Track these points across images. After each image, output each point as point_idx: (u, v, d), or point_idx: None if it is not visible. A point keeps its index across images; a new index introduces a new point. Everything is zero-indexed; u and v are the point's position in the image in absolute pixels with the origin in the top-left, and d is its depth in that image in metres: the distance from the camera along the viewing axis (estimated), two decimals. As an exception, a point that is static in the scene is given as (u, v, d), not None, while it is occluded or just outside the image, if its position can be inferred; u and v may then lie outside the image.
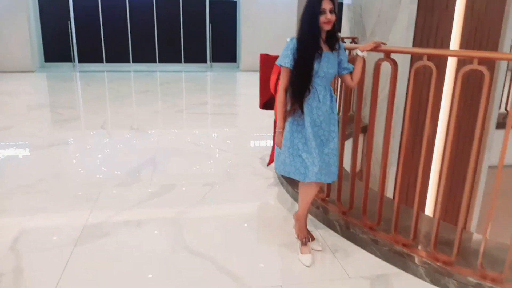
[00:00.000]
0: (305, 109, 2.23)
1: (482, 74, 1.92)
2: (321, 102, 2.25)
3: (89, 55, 12.16)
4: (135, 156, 4.27)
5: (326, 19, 2.14)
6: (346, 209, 2.74)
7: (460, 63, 4.18)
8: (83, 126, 5.77)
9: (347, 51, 2.40)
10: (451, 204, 4.82)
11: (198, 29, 12.36)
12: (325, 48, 2.24)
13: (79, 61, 12.13)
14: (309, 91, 2.21)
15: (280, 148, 2.34)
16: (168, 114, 6.41)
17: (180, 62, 12.49)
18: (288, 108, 2.26)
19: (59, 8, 11.56)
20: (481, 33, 4.47)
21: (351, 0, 5.50)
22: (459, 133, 4.42)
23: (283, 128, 2.30)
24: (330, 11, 2.13)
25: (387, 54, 2.38)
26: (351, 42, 5.26)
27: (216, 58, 12.56)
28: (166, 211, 3.01)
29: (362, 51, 2.33)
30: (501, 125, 5.35)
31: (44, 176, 3.63)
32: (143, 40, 12.26)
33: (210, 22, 12.27)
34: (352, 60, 2.39)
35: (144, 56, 12.37)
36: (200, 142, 4.78)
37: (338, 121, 2.42)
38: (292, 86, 2.23)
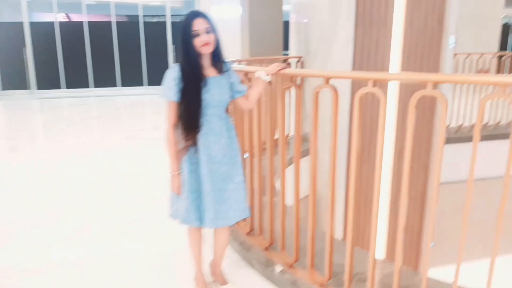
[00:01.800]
0: (200, 146, 1.96)
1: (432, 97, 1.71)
2: (218, 135, 1.99)
3: (48, 81, 11.79)
4: (59, 191, 3.95)
5: (201, 41, 1.86)
6: (267, 245, 2.50)
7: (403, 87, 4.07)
8: (17, 156, 5.42)
9: (235, 72, 2.14)
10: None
11: (160, 51, 12.17)
12: (212, 72, 1.98)
13: (38, 88, 11.74)
14: (201, 125, 1.94)
15: (178, 193, 2.03)
16: (113, 141, 6.10)
17: (142, 85, 12.24)
18: (181, 146, 1.97)
19: (15, 34, 11.23)
20: (422, 47, 4.37)
21: (295, 18, 5.39)
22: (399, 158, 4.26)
23: (178, 169, 2.01)
24: (207, 31, 1.87)
25: (326, 80, 2.00)
26: (297, 62, 5.12)
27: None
28: (73, 256, 2.71)
29: (267, 74, 2.12)
30: (451, 140, 5.27)
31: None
32: (103, 64, 11.98)
33: (172, 44, 12.11)
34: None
35: (104, 80, 12.07)
36: (137, 172, 4.50)
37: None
38: (182, 121, 1.94)
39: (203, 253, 2.24)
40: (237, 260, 2.58)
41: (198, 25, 1.85)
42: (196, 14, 1.88)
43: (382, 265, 2.34)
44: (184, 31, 1.86)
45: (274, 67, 2.11)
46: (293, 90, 2.23)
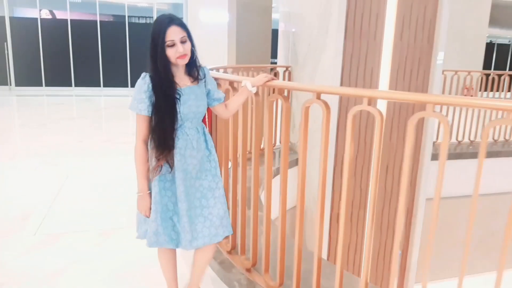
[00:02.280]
0: (176, 163, 1.77)
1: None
2: (196, 149, 1.82)
3: (28, 78, 11.47)
4: (30, 195, 3.75)
5: (178, 53, 1.66)
6: (249, 266, 2.35)
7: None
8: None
9: (212, 78, 1.96)
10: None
11: (145, 53, 11.94)
12: (187, 81, 1.80)
13: (17, 85, 11.40)
14: (175, 142, 1.76)
15: (147, 216, 1.82)
16: (92, 144, 5.89)
17: (127, 86, 12.00)
18: (153, 164, 1.75)
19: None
20: (411, 62, 4.34)
21: (284, 27, 5.31)
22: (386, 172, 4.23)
23: (147, 189, 1.80)
24: (182, 41, 1.66)
25: (317, 95, 1.84)
26: (284, 71, 5.03)
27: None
28: (40, 269, 2.53)
29: (253, 86, 1.98)
30: (436, 156, 5.24)
31: None
32: (86, 63, 11.72)
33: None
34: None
35: (87, 80, 11.80)
36: (114, 178, 4.31)
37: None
38: (153, 138, 1.73)
39: (180, 271, 2.10)
40: (215, 281, 2.44)
41: (173, 34, 1.65)
42: (170, 21, 1.65)
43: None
44: (156, 40, 1.65)
45: (261, 78, 1.95)
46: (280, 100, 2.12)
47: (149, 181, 1.80)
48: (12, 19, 11.07)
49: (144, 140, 1.75)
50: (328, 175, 4.47)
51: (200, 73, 1.85)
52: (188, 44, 1.71)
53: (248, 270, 2.36)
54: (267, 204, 2.18)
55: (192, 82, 1.82)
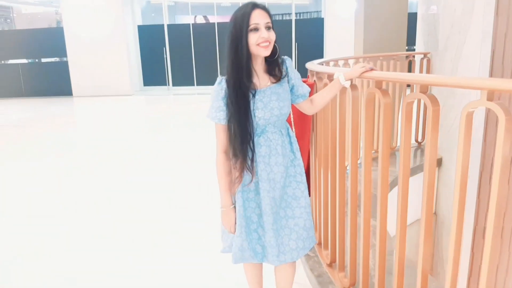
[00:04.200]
0: (260, 172, 1.60)
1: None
2: (282, 154, 1.63)
3: (182, 79, 12.72)
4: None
5: (261, 38, 1.45)
6: (347, 285, 2.04)
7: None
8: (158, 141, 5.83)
9: (294, 70, 1.69)
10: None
11: (284, 50, 12.09)
12: (267, 81, 1.59)
13: (174, 85, 12.76)
14: (252, 151, 1.57)
15: (232, 232, 1.68)
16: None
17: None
18: (236, 175, 1.60)
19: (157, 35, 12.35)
20: None
21: (424, 9, 4.65)
22: None
23: (231, 204, 1.66)
24: (267, 27, 1.47)
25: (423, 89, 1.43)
26: (422, 59, 4.41)
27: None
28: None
29: (347, 79, 1.69)
30: None
31: None
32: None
33: (295, 42, 11.95)
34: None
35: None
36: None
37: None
38: (231, 146, 1.57)
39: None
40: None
41: (258, 17, 1.45)
42: (255, 5, 1.47)
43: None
44: (238, 23, 1.46)
45: (357, 69, 1.64)
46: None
47: (231, 195, 1.66)
48: (169, 26, 12.39)
49: (225, 150, 1.61)
50: (473, 182, 3.77)
51: (282, 68, 1.63)
52: (273, 33, 1.51)
53: None
54: (382, 215, 1.80)
55: (272, 81, 1.61)
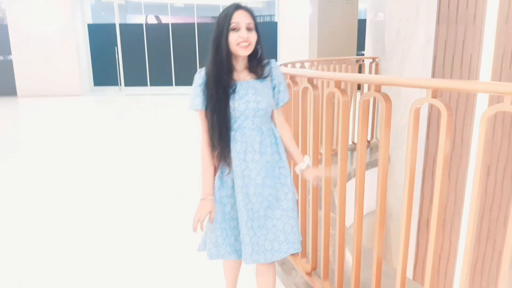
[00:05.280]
0: (235, 167, 1.60)
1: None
2: (259, 152, 1.61)
3: (135, 79, 12.52)
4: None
5: (240, 38, 1.49)
6: (309, 270, 2.19)
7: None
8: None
9: (281, 74, 1.69)
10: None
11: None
12: (246, 76, 1.61)
13: (126, 85, 12.51)
14: (229, 141, 1.59)
15: (201, 221, 1.61)
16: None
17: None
18: (215, 164, 1.64)
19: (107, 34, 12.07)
20: (520, 48, 3.73)
21: (372, 15, 4.96)
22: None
23: (210, 194, 1.64)
24: (248, 28, 1.51)
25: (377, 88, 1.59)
26: (371, 63, 4.71)
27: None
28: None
29: (303, 169, 1.71)
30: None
31: None
32: (185, 64, 12.39)
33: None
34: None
35: (187, 79, 12.47)
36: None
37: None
38: (210, 136, 1.60)
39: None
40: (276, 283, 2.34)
41: (239, 17, 1.50)
42: (238, 6, 1.53)
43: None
44: (221, 23, 1.52)
45: (316, 175, 1.74)
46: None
47: (212, 185, 1.66)
48: (121, 25, 12.15)
49: (207, 139, 1.63)
50: (417, 177, 4.08)
51: (265, 69, 1.64)
52: (254, 34, 1.53)
53: (308, 274, 2.20)
54: (341, 207, 1.95)
55: (252, 77, 1.62)
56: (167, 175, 4.43)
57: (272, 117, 1.70)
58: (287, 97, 1.69)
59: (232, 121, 1.59)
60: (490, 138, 3.92)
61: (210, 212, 1.63)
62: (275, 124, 1.70)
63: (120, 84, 12.43)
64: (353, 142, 4.38)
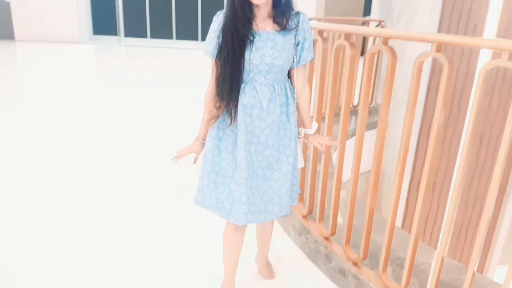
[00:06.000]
0: (240, 121, 1.53)
1: None
2: (266, 110, 1.53)
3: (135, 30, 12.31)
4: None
5: None
6: (328, 235, 2.20)
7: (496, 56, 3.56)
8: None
9: (309, 30, 1.55)
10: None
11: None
12: (267, 26, 1.48)
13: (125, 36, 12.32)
14: (236, 95, 1.50)
15: (180, 156, 1.64)
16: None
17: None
18: (215, 114, 1.58)
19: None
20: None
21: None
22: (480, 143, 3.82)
23: (203, 138, 1.64)
24: None
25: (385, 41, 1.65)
26: (377, 25, 4.73)
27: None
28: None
29: (311, 133, 1.68)
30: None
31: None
32: (187, 17, 12.17)
33: None
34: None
35: (187, 33, 12.28)
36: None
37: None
38: (216, 83, 1.53)
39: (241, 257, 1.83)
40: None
41: None
42: None
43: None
44: None
45: (326, 139, 1.72)
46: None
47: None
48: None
49: (214, 89, 1.57)
50: (412, 139, 4.22)
51: (292, 21, 1.50)
52: None
53: (327, 239, 2.22)
54: (340, 162, 2.06)
55: (275, 28, 1.50)
56: (163, 135, 4.53)
57: (290, 75, 1.60)
58: (311, 56, 1.58)
59: (244, 73, 1.50)
60: (486, 107, 4.04)
61: (195, 152, 1.66)
62: (292, 83, 1.61)
63: (119, 34, 12.24)
64: (353, 106, 4.48)
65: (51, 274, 2.02)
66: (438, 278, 1.62)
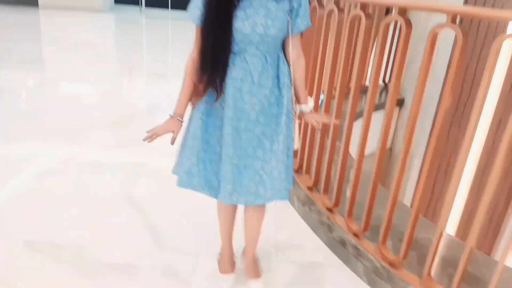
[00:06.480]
0: (227, 96, 1.42)
1: None
2: (258, 84, 1.41)
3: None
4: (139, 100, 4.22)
5: None
6: (331, 206, 2.21)
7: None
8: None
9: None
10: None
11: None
12: None
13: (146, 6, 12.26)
14: (224, 68, 1.38)
15: (155, 136, 1.47)
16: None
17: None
18: (199, 89, 1.46)
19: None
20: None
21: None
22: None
23: (180, 116, 1.50)
24: None
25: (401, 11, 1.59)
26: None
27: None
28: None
29: (307, 110, 1.56)
30: None
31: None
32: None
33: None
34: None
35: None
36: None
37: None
38: (200, 55, 1.41)
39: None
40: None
41: None
42: None
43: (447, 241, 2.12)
44: None
45: (323, 117, 1.65)
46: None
47: (186, 106, 1.51)
48: None
49: (196, 56, 1.44)
50: (427, 119, 4.12)
51: None
52: None
53: (330, 210, 2.23)
54: (347, 134, 2.06)
55: None
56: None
57: (284, 45, 1.47)
58: (305, 25, 1.43)
59: (233, 43, 1.38)
60: (507, 90, 3.93)
61: (173, 132, 1.50)
62: (285, 54, 1.48)
63: (141, 4, 12.20)
64: (383, 81, 4.54)
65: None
66: (435, 252, 1.64)
